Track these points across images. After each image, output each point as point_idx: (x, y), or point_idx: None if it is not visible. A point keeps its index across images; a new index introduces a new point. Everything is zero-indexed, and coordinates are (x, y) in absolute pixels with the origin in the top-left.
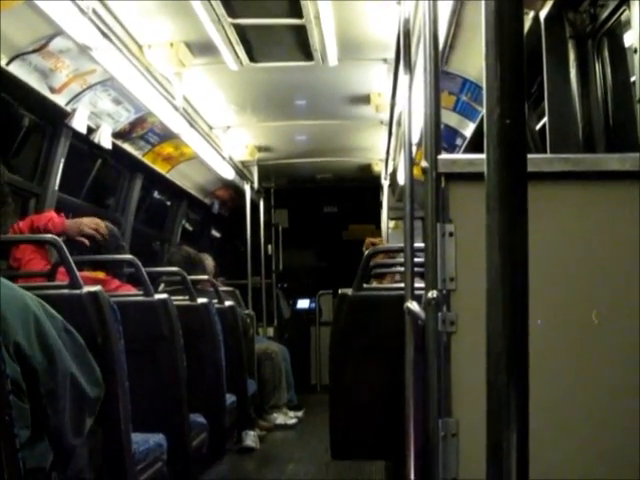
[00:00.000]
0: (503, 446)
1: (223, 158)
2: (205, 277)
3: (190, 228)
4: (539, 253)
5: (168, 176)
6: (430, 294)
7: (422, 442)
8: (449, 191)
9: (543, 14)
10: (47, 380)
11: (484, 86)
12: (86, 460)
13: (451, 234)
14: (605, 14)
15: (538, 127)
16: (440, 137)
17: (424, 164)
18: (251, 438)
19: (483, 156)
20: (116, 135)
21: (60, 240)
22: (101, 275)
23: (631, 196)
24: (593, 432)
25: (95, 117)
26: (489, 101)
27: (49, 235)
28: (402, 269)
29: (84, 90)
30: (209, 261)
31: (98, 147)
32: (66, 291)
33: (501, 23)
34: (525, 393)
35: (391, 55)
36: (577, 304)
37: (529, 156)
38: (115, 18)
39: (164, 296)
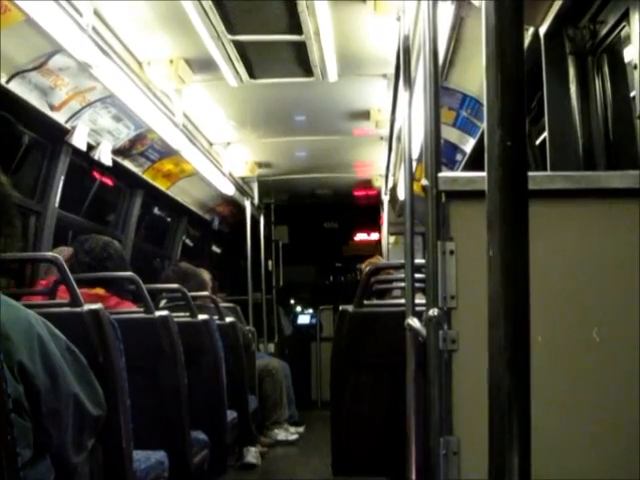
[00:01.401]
0: (505, 466)
1: (223, 174)
2: (206, 293)
3: (190, 244)
4: (539, 270)
5: (168, 192)
6: (431, 312)
7: (423, 459)
8: (450, 209)
9: (543, 30)
10: (50, 400)
11: (484, 107)
12: (87, 478)
13: (452, 252)
14: (605, 30)
15: (538, 142)
16: (440, 154)
17: (424, 182)
18: (252, 454)
19: (484, 174)
20: (116, 152)
21: (60, 258)
22: (100, 292)
23: (632, 213)
24: (596, 450)
25: (95, 134)
26: (490, 123)
27: (50, 253)
28: (403, 284)
29: (84, 107)
30: (205, 276)
31: (98, 164)
32: (67, 309)
33: (502, 43)
34: (527, 413)
35: (391, 71)
36: (578, 321)
37: (530, 174)
38: (114, 35)
39: (165, 313)
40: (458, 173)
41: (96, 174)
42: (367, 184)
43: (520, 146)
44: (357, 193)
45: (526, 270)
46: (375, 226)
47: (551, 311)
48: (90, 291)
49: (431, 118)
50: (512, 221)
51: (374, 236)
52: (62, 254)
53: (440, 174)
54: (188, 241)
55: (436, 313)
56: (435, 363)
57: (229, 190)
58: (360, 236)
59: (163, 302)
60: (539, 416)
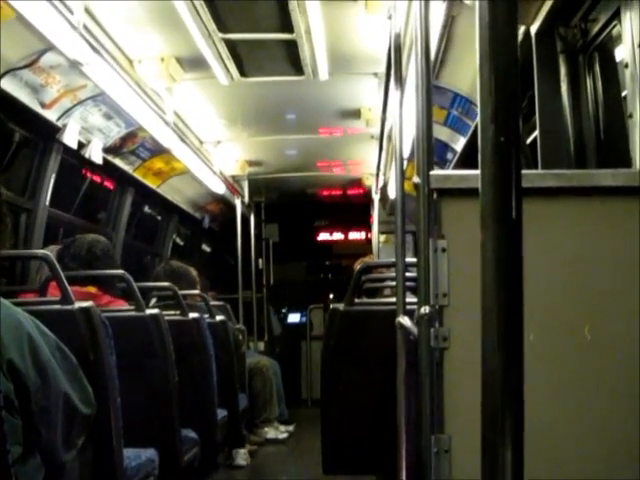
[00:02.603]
0: (498, 463)
1: (214, 173)
2: (196, 292)
3: (181, 242)
4: (531, 268)
5: (159, 191)
6: (423, 310)
7: (414, 457)
8: (441, 207)
9: (534, 29)
10: (40, 398)
11: (478, 103)
12: (77, 476)
13: (444, 250)
14: (596, 29)
15: (529, 141)
16: (432, 153)
17: (416, 180)
18: (242, 456)
19: (476, 172)
20: (107, 150)
21: (51, 255)
22: (92, 290)
23: (623, 211)
24: (589, 447)
25: (86, 132)
26: (483, 118)
27: (40, 251)
28: (393, 284)
29: (75, 105)
30: (193, 274)
31: (89, 162)
32: (58, 307)
33: (495, 40)
34: (520, 410)
35: (382, 69)
36: (569, 319)
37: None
38: (106, 33)
39: (155, 311)
40: (450, 171)
41: (87, 172)
42: (358, 183)
43: (514, 142)
44: (347, 192)
45: (520, 270)
46: (366, 225)
47: (542, 309)
48: (82, 289)
49: (423, 116)
50: (506, 220)
51: (364, 235)
52: (52, 252)
53: (432, 172)
54: (179, 240)
55: (428, 311)
56: (426, 361)
57: (220, 189)
58: (350, 235)
59: (153, 301)
60: (531, 413)
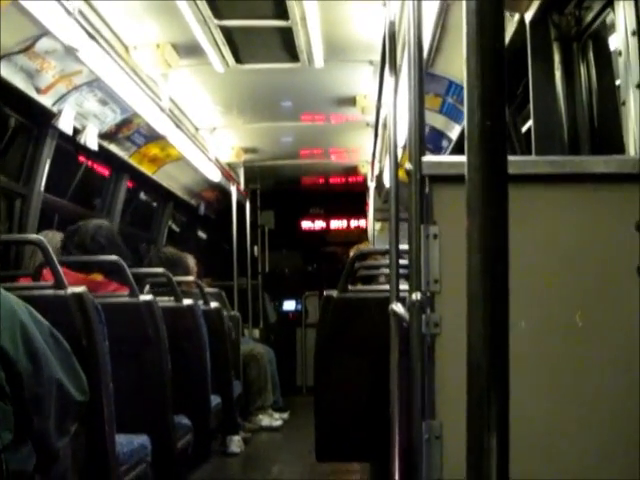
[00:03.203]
0: (483, 448)
1: (209, 159)
2: (191, 278)
3: (176, 229)
4: (523, 255)
5: (154, 177)
6: (414, 296)
7: (407, 444)
8: (433, 193)
9: (528, 17)
10: (32, 385)
11: (465, 89)
12: (69, 462)
13: (435, 236)
14: (590, 17)
15: (524, 130)
16: (424, 139)
17: (408, 166)
18: (235, 444)
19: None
20: (102, 136)
21: (45, 241)
22: (99, 277)
23: (616, 198)
24: (574, 433)
25: (81, 118)
26: (470, 103)
27: (34, 235)
28: (387, 271)
29: (70, 91)
30: (190, 261)
31: (84, 148)
32: (51, 292)
33: (482, 25)
34: (505, 395)
35: (377, 57)
36: (561, 306)
37: (514, 158)
38: (101, 19)
39: (149, 297)
40: (442, 157)
41: (82, 158)
42: (354, 170)
43: (500, 126)
44: (343, 180)
45: (505, 255)
46: (361, 212)
47: (534, 297)
48: (88, 277)
49: (415, 101)
50: (492, 205)
51: (360, 222)
52: (50, 239)
53: (424, 158)
54: (174, 226)
55: (419, 297)
56: (418, 347)
57: (215, 176)
58: (346, 223)
59: (147, 288)
60: (522, 400)
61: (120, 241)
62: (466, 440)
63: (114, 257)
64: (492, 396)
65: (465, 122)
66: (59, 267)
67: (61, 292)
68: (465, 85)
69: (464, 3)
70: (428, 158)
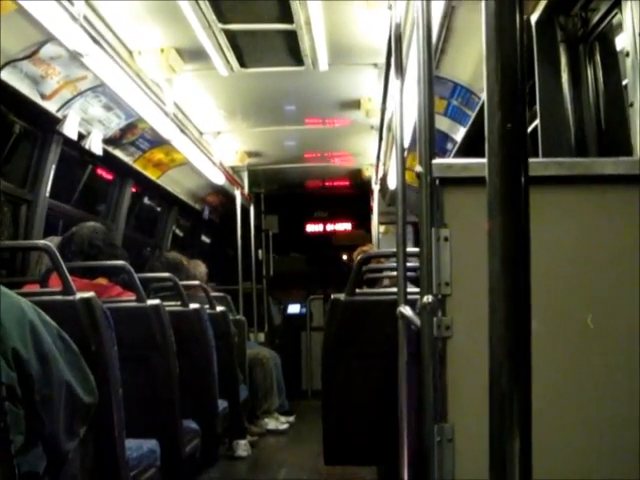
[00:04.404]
0: (506, 452)
1: (213, 164)
2: (197, 283)
3: (181, 234)
4: (532, 257)
5: (159, 182)
6: (425, 299)
7: (416, 447)
8: (444, 196)
9: (534, 18)
10: (42, 387)
11: (484, 91)
12: (78, 466)
13: (446, 239)
14: (596, 18)
15: (529, 130)
16: (434, 141)
17: (418, 169)
18: (242, 448)
19: (478, 160)
20: (107, 141)
21: (52, 246)
22: (104, 282)
23: (624, 200)
24: (591, 434)
25: (86, 123)
26: (490, 105)
27: (41, 241)
28: (394, 274)
29: (75, 96)
30: (202, 267)
31: (89, 153)
32: (59, 297)
33: (501, 26)
34: (528, 399)
35: (381, 60)
36: (572, 308)
37: None
38: (106, 24)
39: (156, 302)
40: (452, 160)
41: (87, 163)
42: (357, 173)
43: (520, 129)
44: (347, 183)
45: (527, 258)
46: (365, 215)
47: (544, 298)
48: (93, 282)
49: (424, 104)
50: (513, 208)
51: (364, 226)
52: (53, 243)
53: (434, 161)
54: (178, 231)
55: (430, 300)
56: (429, 350)
57: (219, 180)
58: (350, 226)
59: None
60: (535, 401)
61: (115, 241)
62: (489, 444)
63: (121, 262)
64: (515, 400)
65: (485, 125)
66: (67, 273)
67: (70, 298)
68: (485, 88)
69: (482, 8)
70: (438, 161)
